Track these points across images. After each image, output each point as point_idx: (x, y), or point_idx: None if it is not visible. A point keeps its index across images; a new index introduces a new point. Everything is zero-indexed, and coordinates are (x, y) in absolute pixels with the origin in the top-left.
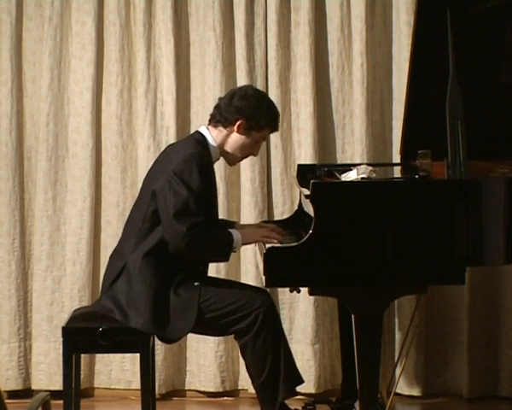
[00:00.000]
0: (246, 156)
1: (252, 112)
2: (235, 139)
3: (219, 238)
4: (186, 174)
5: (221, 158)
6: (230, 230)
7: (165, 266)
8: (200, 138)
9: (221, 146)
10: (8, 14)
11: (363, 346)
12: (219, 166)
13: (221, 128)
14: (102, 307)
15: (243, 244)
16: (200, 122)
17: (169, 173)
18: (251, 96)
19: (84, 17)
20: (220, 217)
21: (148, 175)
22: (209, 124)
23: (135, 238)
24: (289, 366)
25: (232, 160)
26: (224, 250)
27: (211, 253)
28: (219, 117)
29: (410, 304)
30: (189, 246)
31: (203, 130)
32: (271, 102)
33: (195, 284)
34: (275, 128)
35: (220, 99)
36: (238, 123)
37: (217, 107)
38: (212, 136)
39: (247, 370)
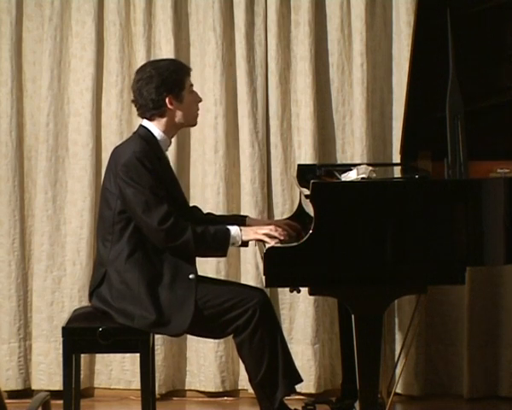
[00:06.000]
0: (197, 110)
1: (166, 83)
2: (177, 111)
3: (212, 232)
4: (133, 174)
5: (221, 158)
6: (229, 226)
7: (152, 262)
8: (144, 133)
9: (170, 128)
10: (8, 14)
11: (362, 346)
12: (219, 166)
13: (159, 119)
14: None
15: (244, 241)
16: (199, 122)
17: (119, 176)
18: (152, 75)
19: (84, 17)
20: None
21: (103, 180)
22: (144, 119)
23: (109, 242)
24: (287, 362)
25: (191, 122)
26: (220, 243)
27: (201, 243)
28: (148, 111)
29: (410, 304)
30: (169, 236)
31: (146, 123)
32: (168, 60)
33: (190, 276)
34: (187, 71)
35: (134, 99)
36: (167, 100)
37: (140, 107)
38: (156, 126)
39: (245, 368)
